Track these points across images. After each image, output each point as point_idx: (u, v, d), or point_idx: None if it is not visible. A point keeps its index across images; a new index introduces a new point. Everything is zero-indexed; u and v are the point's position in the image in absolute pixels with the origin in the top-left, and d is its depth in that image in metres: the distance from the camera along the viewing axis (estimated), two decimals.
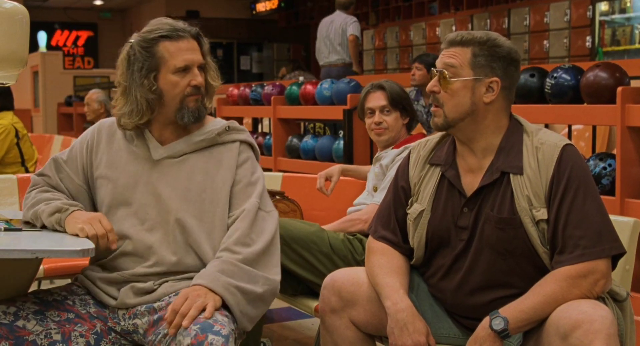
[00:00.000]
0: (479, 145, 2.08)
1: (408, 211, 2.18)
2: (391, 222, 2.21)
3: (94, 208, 2.27)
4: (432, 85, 2.07)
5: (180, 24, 2.21)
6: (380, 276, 2.11)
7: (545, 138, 2.04)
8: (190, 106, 2.16)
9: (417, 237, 2.15)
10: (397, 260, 2.17)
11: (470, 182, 2.09)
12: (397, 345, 2.02)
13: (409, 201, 2.19)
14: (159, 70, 2.15)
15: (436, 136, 2.24)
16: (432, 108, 2.09)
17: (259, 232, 2.13)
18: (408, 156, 2.24)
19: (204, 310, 1.93)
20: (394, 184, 2.25)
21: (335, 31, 8.01)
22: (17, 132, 5.08)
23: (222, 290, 1.99)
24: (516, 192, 2.00)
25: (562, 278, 1.90)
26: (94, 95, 6.79)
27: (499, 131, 2.08)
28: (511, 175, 2.02)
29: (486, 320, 1.92)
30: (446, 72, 2.04)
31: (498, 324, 1.89)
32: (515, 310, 1.91)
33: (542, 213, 1.97)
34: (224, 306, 2.00)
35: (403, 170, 2.23)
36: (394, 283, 2.08)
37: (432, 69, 2.10)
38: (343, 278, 2.17)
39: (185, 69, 2.15)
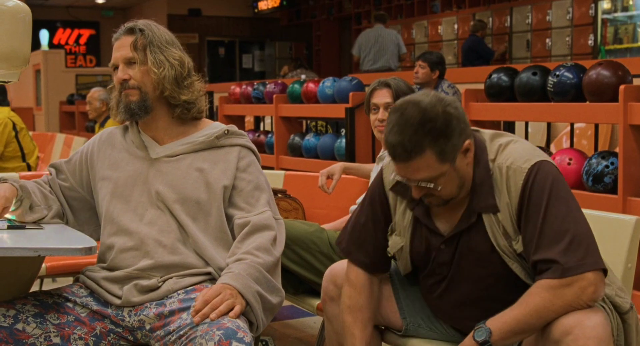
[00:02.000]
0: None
1: (389, 238, 2.11)
2: (368, 244, 2.14)
3: (93, 210, 2.32)
4: (418, 194, 1.92)
5: (127, 24, 2.26)
6: (349, 324, 2.13)
7: (511, 160, 1.92)
8: (123, 101, 2.23)
9: (402, 266, 2.13)
10: (368, 301, 2.14)
11: (445, 219, 2.01)
12: None
13: (391, 226, 2.12)
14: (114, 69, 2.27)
15: None
16: (427, 200, 1.95)
17: (277, 243, 2.19)
18: (381, 173, 2.14)
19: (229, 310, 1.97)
20: (370, 203, 2.15)
21: (386, 43, 9.45)
22: (14, 125, 5.07)
23: (251, 298, 2.03)
24: (491, 231, 1.93)
25: (544, 288, 1.82)
26: (96, 93, 6.77)
27: (470, 175, 1.95)
28: (483, 215, 1.93)
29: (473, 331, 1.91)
30: (430, 180, 1.88)
31: (480, 335, 1.87)
32: (499, 322, 1.86)
33: (520, 245, 1.90)
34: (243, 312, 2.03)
35: (379, 189, 2.13)
36: (359, 340, 2.11)
37: (406, 182, 1.93)
38: (340, 268, 2.21)
39: (116, 67, 2.24)
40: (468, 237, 1.98)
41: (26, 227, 2.15)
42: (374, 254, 2.14)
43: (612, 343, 1.80)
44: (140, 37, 2.21)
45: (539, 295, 1.82)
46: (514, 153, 1.93)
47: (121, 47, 2.22)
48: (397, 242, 2.09)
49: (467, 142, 1.89)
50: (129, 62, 2.21)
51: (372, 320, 2.16)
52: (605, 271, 1.84)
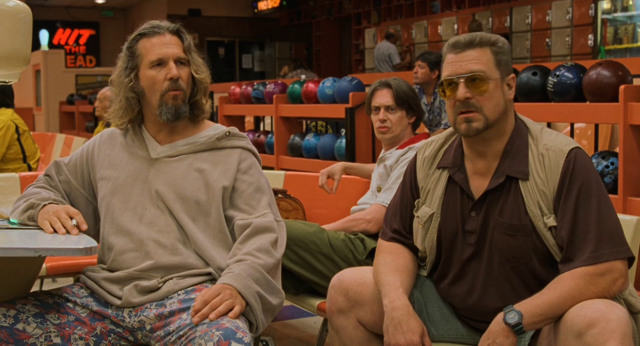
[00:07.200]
0: (490, 148, 2.06)
1: (416, 213, 2.18)
2: (400, 220, 2.22)
3: (94, 211, 2.31)
4: (463, 93, 2.01)
5: (162, 23, 2.25)
6: (382, 275, 2.11)
7: (551, 143, 2.02)
8: (169, 103, 2.20)
9: (428, 241, 2.15)
10: (403, 258, 2.17)
11: (478, 185, 2.08)
12: (390, 343, 2.01)
13: (416, 202, 2.19)
14: (139, 67, 2.22)
15: (440, 136, 2.22)
16: (468, 115, 2.02)
17: (278, 245, 2.18)
18: (415, 158, 2.24)
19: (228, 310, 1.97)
20: (402, 186, 2.26)
21: (384, 56, 11.52)
22: (17, 127, 5.07)
23: (251, 298, 2.03)
24: (527, 198, 1.99)
25: (579, 275, 1.88)
26: (108, 92, 6.72)
27: (508, 132, 2.07)
28: (520, 181, 2.01)
29: (500, 314, 1.90)
30: (482, 74, 2.00)
31: (512, 318, 1.87)
32: (530, 305, 1.89)
33: (552, 220, 1.97)
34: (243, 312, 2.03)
35: (410, 172, 2.23)
36: (394, 282, 2.08)
37: (454, 78, 2.03)
38: (350, 279, 2.16)
39: (160, 63, 2.20)
40: (501, 203, 2.03)
41: (26, 227, 2.14)
42: (405, 227, 2.22)
43: (632, 337, 1.81)
44: (186, 41, 2.23)
45: (572, 281, 1.88)
46: (555, 139, 2.04)
47: (170, 44, 2.21)
48: (426, 211, 2.15)
49: (512, 74, 2.07)
50: (180, 62, 2.21)
51: (407, 281, 2.14)
52: (631, 261, 1.94)
